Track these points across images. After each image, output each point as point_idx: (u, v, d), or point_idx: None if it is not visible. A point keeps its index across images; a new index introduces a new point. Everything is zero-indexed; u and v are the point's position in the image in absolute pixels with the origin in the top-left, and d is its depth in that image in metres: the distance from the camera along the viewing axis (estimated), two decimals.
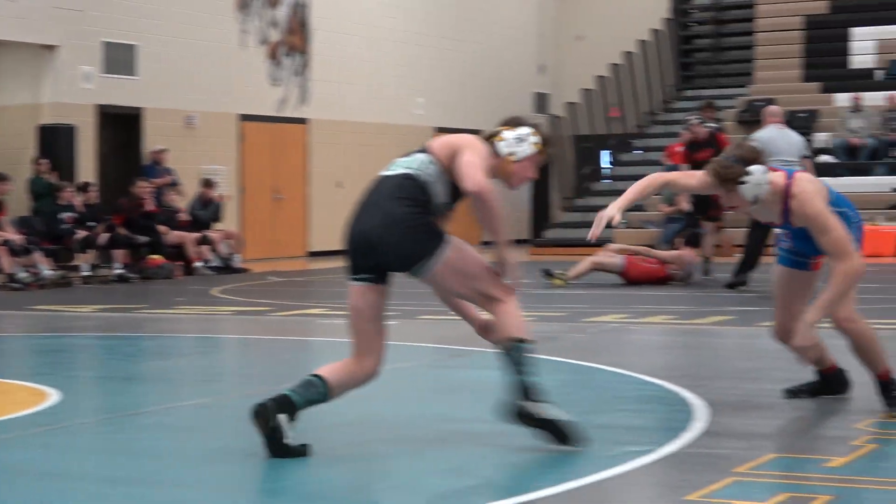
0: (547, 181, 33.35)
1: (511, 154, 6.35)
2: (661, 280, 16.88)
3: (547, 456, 6.03)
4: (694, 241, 17.64)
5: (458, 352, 10.03)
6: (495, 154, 6.36)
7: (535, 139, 6.38)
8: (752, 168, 6.81)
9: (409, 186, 6.14)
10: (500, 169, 6.35)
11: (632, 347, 10.59)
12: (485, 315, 6.32)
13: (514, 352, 6.07)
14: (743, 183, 6.79)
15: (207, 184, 22.43)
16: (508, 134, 6.40)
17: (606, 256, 17.19)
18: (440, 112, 30.11)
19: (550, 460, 5.95)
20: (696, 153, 17.25)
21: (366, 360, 6.21)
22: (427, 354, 10.16)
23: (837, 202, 7.04)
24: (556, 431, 6.06)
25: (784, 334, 7.33)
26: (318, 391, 6.11)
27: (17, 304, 15.43)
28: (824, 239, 6.82)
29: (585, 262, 17.03)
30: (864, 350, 7.10)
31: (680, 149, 19.32)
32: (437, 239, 6.06)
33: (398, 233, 6.04)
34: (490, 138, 6.43)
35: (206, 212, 22.07)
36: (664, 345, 10.97)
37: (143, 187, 20.71)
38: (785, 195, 6.86)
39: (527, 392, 6.06)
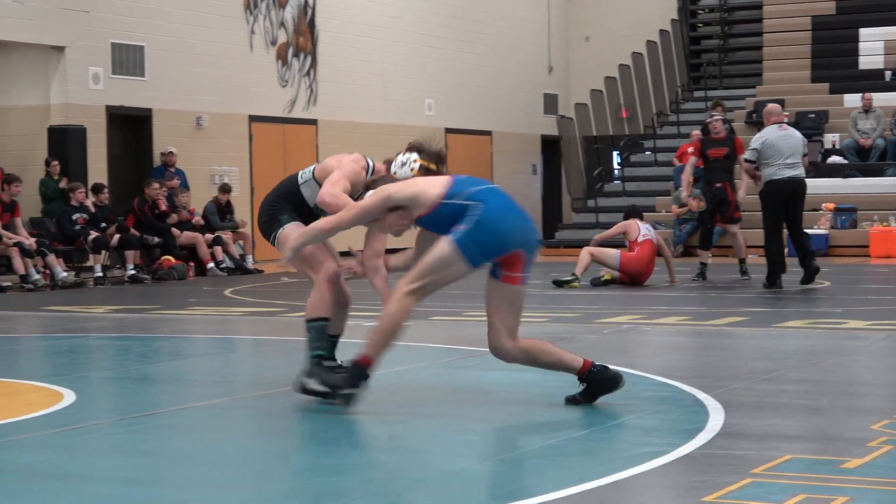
0: (558, 183, 33.38)
1: (394, 174, 7.47)
2: (655, 257, 16.89)
3: (563, 457, 6.02)
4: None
5: (470, 353, 10.03)
6: (389, 171, 7.55)
7: (415, 165, 7.42)
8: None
9: (288, 186, 7.93)
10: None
11: (646, 348, 10.57)
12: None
13: (307, 330, 7.66)
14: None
15: (224, 189, 22.42)
16: (399, 157, 7.51)
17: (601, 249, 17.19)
18: (450, 113, 30.12)
19: (566, 461, 5.94)
20: (710, 149, 17.17)
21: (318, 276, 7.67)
22: (439, 355, 10.15)
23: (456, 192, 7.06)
24: (330, 396, 7.18)
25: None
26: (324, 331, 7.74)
27: (30, 306, 15.45)
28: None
29: (584, 255, 17.00)
30: (543, 362, 7.16)
31: (690, 149, 19.19)
32: (277, 224, 7.77)
33: (260, 217, 7.94)
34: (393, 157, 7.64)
35: (223, 223, 22.04)
36: (678, 346, 10.95)
37: (156, 188, 20.73)
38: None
39: (309, 367, 7.54)
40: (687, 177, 17.72)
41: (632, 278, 16.82)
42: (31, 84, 21.88)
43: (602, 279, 16.92)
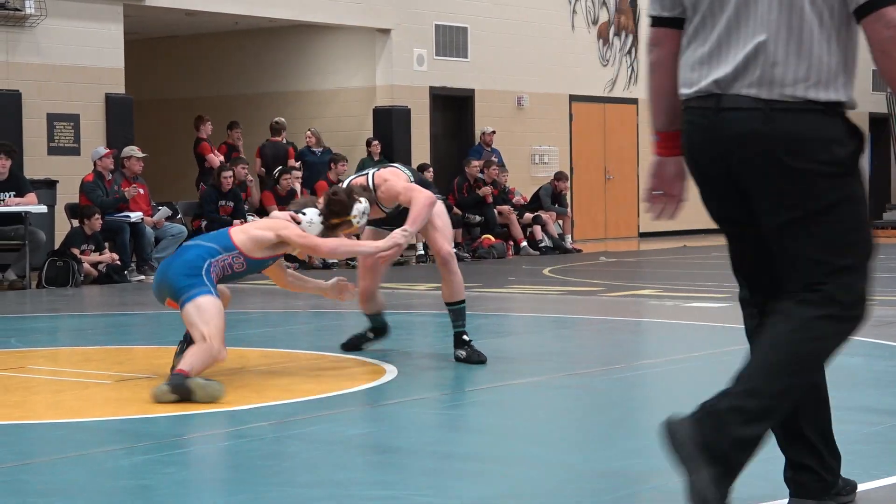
0: (887, 161, 32.37)
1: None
2: None
3: (888, 444, 5.82)
4: None
5: None
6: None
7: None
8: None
9: None
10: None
11: None
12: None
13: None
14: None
15: (561, 177, 22.45)
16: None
17: None
18: None
19: (891, 448, 5.74)
20: None
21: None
22: None
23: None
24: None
25: None
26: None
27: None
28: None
29: None
30: None
31: None
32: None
33: None
34: None
35: (554, 206, 22.12)
36: None
37: (475, 167, 20.98)
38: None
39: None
40: None
41: None
42: (358, 66, 22.46)
43: None
